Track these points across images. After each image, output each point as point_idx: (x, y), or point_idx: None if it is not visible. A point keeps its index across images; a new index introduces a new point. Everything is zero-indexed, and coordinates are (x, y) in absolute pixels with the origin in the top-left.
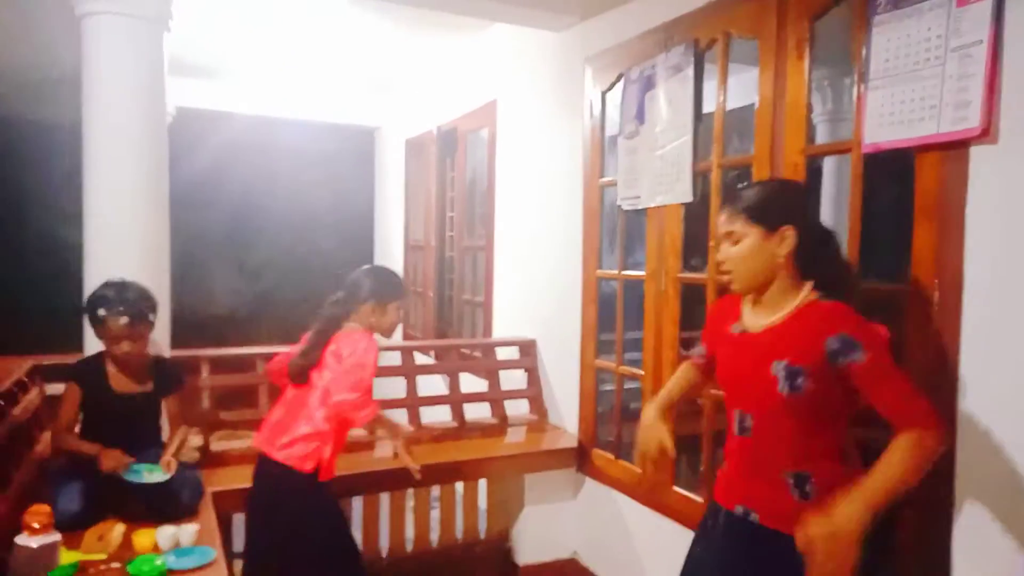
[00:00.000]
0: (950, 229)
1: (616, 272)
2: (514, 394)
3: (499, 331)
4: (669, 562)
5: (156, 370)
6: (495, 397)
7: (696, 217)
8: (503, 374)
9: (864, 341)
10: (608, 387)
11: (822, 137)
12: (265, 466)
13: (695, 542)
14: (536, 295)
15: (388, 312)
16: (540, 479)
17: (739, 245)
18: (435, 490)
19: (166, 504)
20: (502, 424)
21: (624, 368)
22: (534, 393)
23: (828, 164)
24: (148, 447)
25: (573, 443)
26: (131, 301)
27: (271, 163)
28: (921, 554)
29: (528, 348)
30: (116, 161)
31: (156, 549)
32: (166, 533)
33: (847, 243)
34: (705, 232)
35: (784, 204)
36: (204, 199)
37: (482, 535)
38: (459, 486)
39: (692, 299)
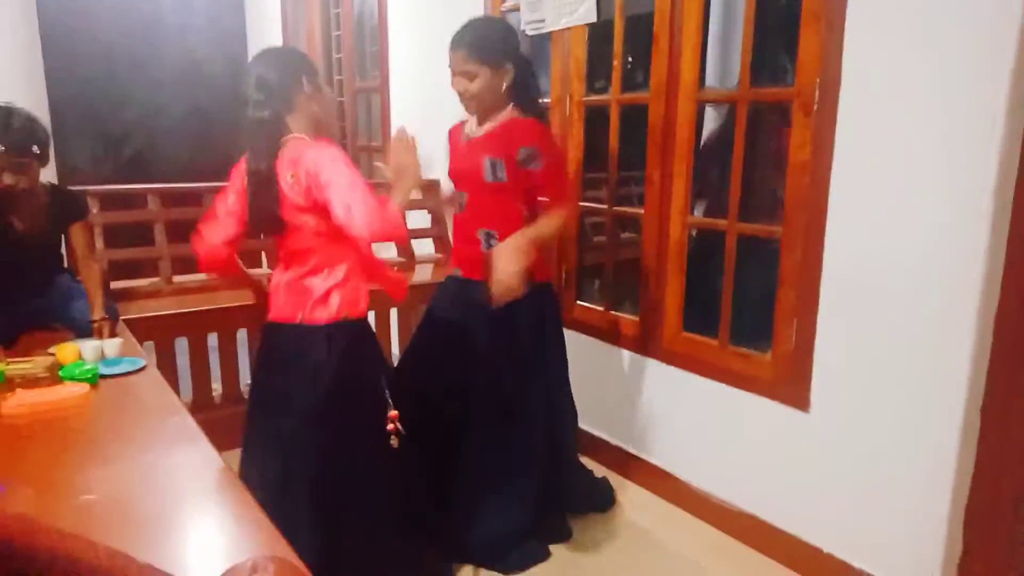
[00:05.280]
0: (832, 31)
1: None
2: (418, 233)
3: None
4: (570, 364)
5: (53, 200)
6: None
7: (600, 39)
8: (408, 215)
9: (544, 152)
10: None
11: None
12: (298, 335)
13: (428, 311)
14: (437, 134)
15: (324, 89)
16: None
17: (475, 82)
18: None
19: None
20: (410, 262)
21: None
22: (439, 232)
23: None
24: (50, 284)
25: None
26: (14, 128)
27: (131, 18)
28: (797, 318)
29: (431, 188)
30: None
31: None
32: (90, 346)
33: (741, 52)
34: (609, 53)
35: (506, 46)
36: (68, 64)
37: (395, 363)
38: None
39: (596, 122)
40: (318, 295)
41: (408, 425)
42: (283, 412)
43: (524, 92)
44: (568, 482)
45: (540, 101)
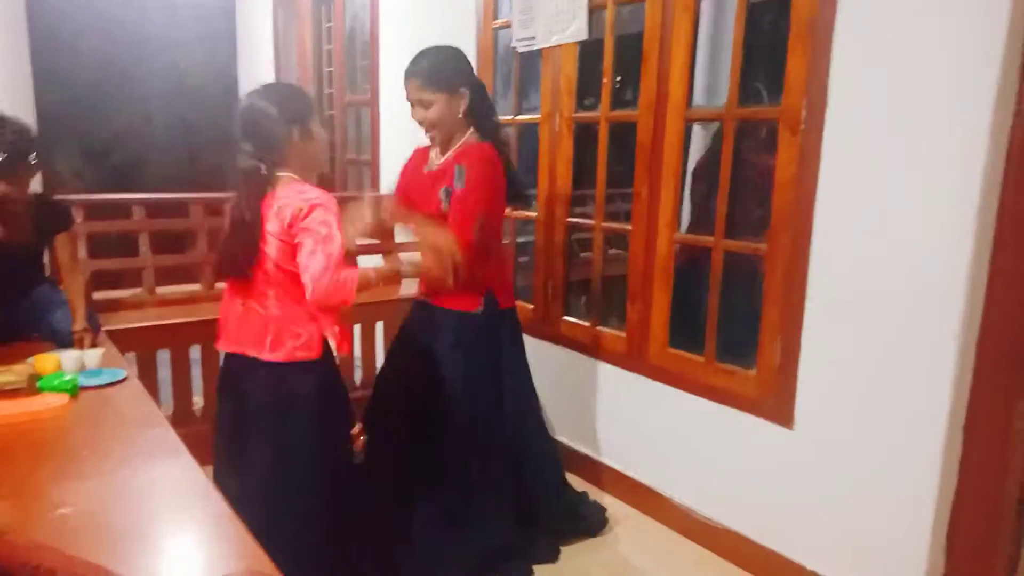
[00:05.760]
0: (819, 53)
1: (511, 117)
2: (407, 247)
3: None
4: (556, 379)
5: (39, 210)
6: (388, 249)
7: (590, 56)
8: (396, 229)
9: (469, 175)
10: None
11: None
12: (256, 372)
13: (396, 337)
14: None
15: (315, 133)
16: None
17: (432, 109)
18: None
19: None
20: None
21: (520, 213)
22: None
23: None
24: (31, 293)
25: None
26: (8, 138)
27: (121, 29)
28: (782, 335)
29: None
30: None
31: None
32: (70, 356)
33: (730, 72)
34: (598, 71)
35: (458, 71)
36: (57, 73)
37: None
38: (357, 328)
39: (586, 139)
40: (275, 332)
41: (379, 448)
42: (243, 446)
43: (482, 116)
44: (552, 502)
45: (498, 124)
